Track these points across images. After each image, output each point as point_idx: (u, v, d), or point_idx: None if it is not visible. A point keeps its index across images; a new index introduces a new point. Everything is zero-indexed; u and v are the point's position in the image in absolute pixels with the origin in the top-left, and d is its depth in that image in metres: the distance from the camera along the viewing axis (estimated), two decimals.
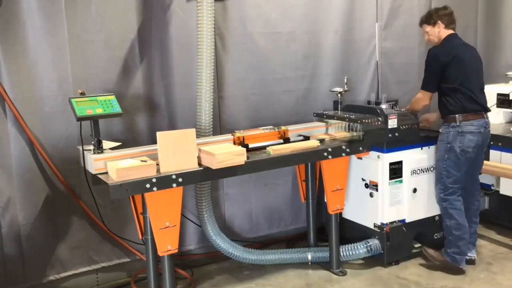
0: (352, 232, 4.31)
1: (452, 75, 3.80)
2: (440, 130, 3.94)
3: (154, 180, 3.06)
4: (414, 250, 4.22)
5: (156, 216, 3.20)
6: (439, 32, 3.92)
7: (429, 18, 3.97)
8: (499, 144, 4.48)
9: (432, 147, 4.18)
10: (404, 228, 4.10)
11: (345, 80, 4.28)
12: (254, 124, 4.24)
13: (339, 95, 4.18)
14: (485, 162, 4.52)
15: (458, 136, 3.80)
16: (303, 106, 4.54)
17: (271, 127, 3.83)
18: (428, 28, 3.98)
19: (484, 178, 4.77)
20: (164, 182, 3.10)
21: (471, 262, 4.05)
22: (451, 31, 3.93)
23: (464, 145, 3.80)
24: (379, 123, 3.88)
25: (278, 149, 3.55)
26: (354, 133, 3.92)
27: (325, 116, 4.18)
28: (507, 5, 5.56)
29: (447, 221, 3.90)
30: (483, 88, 3.96)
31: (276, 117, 4.37)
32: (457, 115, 3.80)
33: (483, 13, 5.48)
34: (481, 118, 3.83)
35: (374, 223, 4.13)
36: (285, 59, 4.42)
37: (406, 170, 4.07)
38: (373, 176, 4.07)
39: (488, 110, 3.92)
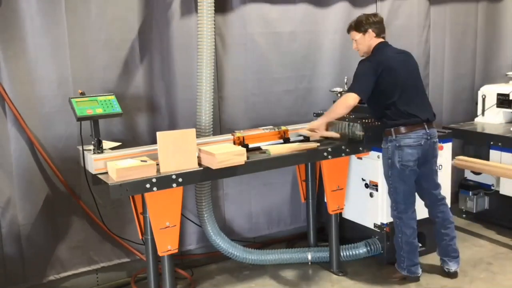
0: (352, 232, 4.31)
1: (387, 90, 3.56)
2: (382, 145, 3.73)
3: (154, 180, 3.06)
4: None
5: (156, 216, 3.20)
6: (370, 41, 3.63)
7: (359, 26, 3.65)
8: (499, 144, 4.48)
9: None
10: None
11: (345, 80, 4.29)
12: (254, 124, 4.24)
13: (339, 95, 4.19)
14: (485, 162, 4.54)
15: (396, 150, 3.59)
16: (302, 106, 4.55)
17: (271, 127, 3.84)
18: (357, 36, 3.66)
19: (484, 178, 4.79)
20: (164, 182, 3.10)
21: (453, 275, 3.87)
22: (381, 40, 3.66)
23: (403, 160, 3.58)
24: (379, 123, 3.87)
25: (276, 149, 3.54)
26: (354, 133, 3.92)
27: None
28: (506, 5, 5.56)
29: (399, 237, 3.75)
30: (423, 96, 3.73)
31: (275, 117, 4.37)
32: (392, 129, 3.58)
33: (483, 13, 5.48)
34: (420, 129, 3.58)
35: (374, 223, 4.13)
36: (284, 59, 4.42)
37: None
38: (373, 176, 4.07)
39: (429, 120, 3.64)
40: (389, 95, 3.58)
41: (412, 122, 3.58)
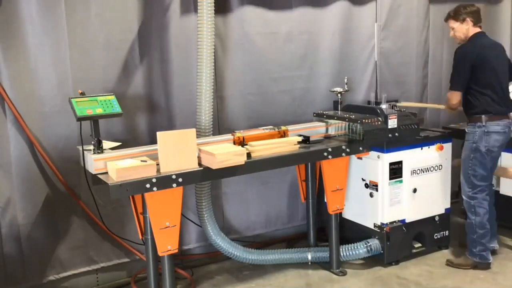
0: (352, 232, 4.31)
1: (481, 77, 3.78)
2: (466, 130, 3.95)
3: (154, 180, 3.06)
4: (414, 250, 4.23)
5: (156, 216, 3.20)
6: (467, 29, 3.87)
7: (457, 15, 3.90)
8: None
9: (432, 147, 4.19)
10: (404, 228, 4.11)
11: (345, 80, 4.29)
12: (252, 124, 4.24)
13: (339, 95, 4.18)
14: None
15: (484, 136, 3.81)
16: (300, 106, 4.55)
17: (271, 127, 3.83)
18: (455, 25, 3.91)
19: None
20: (164, 182, 3.10)
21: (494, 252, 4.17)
22: (478, 29, 3.89)
23: (490, 145, 3.82)
24: (379, 123, 3.88)
25: (257, 144, 3.53)
26: (354, 133, 3.92)
27: (325, 116, 4.19)
28: (504, 7, 5.56)
29: (473, 219, 3.93)
30: (506, 90, 3.92)
31: (273, 117, 4.37)
32: (483, 116, 3.81)
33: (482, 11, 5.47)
34: (506, 119, 3.85)
35: (374, 223, 4.13)
36: (282, 59, 4.42)
37: (406, 170, 4.07)
38: (373, 176, 4.07)
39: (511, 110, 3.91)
40: (481, 84, 3.79)
41: (500, 110, 3.82)
